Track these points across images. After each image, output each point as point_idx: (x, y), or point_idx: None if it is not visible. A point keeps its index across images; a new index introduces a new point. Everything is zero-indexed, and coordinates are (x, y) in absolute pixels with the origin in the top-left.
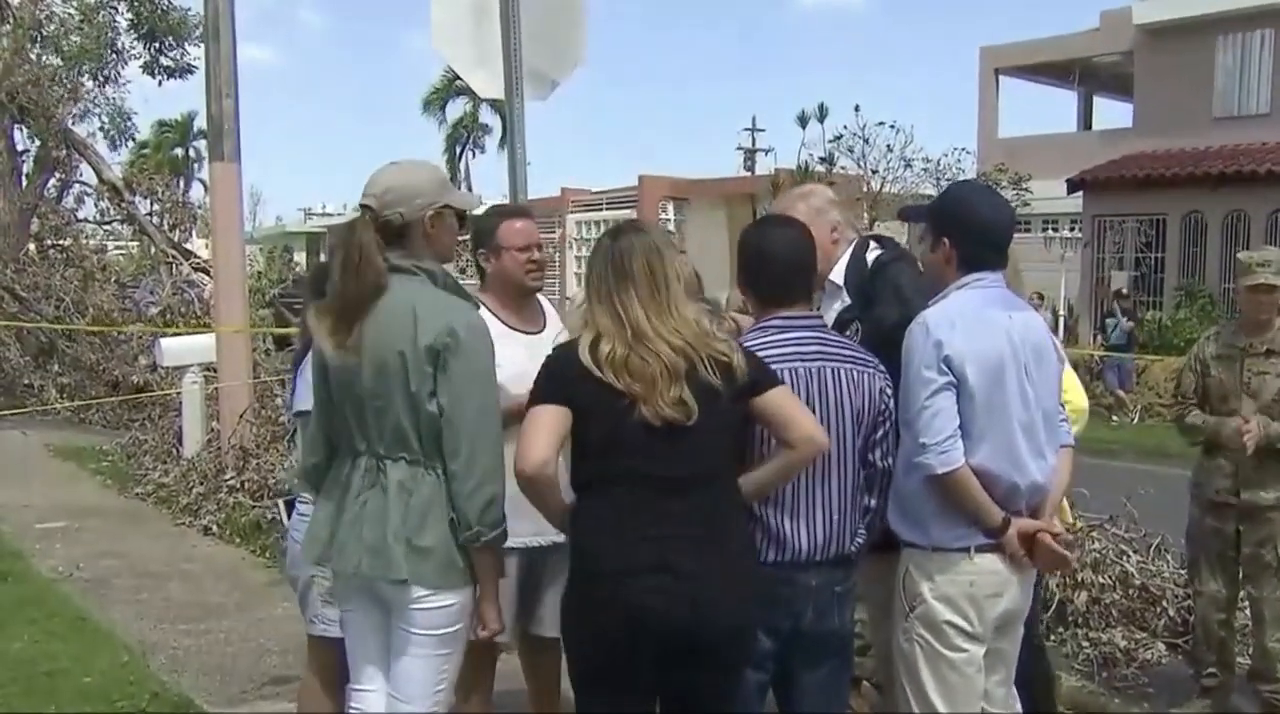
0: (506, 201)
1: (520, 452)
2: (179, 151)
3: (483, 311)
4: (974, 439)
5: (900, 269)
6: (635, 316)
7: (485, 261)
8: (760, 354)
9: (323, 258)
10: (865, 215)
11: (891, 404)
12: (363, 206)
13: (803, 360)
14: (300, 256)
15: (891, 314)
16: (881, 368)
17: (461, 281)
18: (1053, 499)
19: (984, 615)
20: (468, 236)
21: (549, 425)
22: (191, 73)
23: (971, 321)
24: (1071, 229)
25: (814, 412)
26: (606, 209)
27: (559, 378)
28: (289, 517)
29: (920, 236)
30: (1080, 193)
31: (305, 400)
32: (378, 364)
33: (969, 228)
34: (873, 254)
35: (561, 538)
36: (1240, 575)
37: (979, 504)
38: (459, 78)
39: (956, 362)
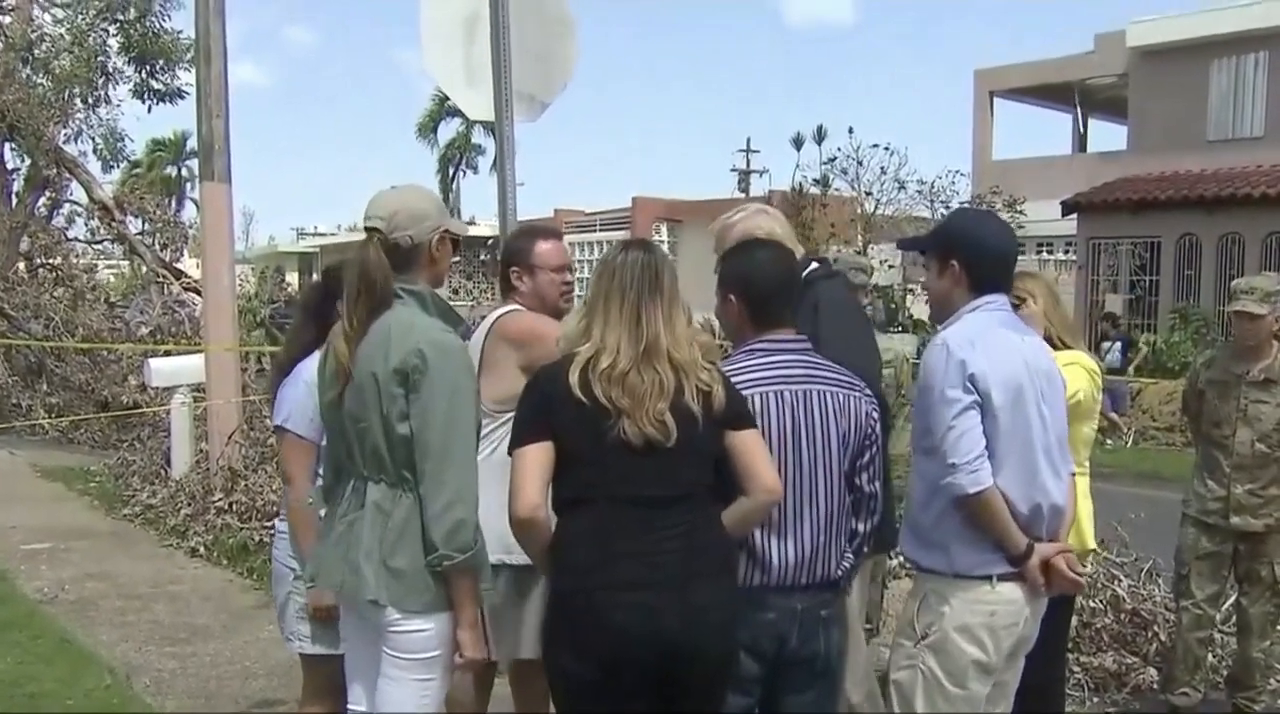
0: (495, 222)
1: (511, 497)
2: (172, 170)
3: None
4: (997, 461)
5: (825, 287)
6: (655, 330)
7: (518, 280)
8: (746, 377)
9: (315, 278)
10: (859, 237)
11: (878, 428)
12: (371, 228)
13: (789, 383)
14: (292, 277)
15: (805, 329)
16: (869, 392)
17: (453, 302)
18: (1067, 523)
19: (1000, 646)
20: (456, 258)
21: (535, 466)
22: (182, 98)
23: (990, 343)
24: (1066, 252)
25: (800, 435)
26: (600, 230)
27: (539, 407)
28: None
29: (923, 263)
30: (1074, 215)
31: (280, 414)
32: (358, 386)
33: (977, 250)
34: (807, 271)
35: None
36: (1234, 588)
37: (1005, 527)
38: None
39: (981, 381)
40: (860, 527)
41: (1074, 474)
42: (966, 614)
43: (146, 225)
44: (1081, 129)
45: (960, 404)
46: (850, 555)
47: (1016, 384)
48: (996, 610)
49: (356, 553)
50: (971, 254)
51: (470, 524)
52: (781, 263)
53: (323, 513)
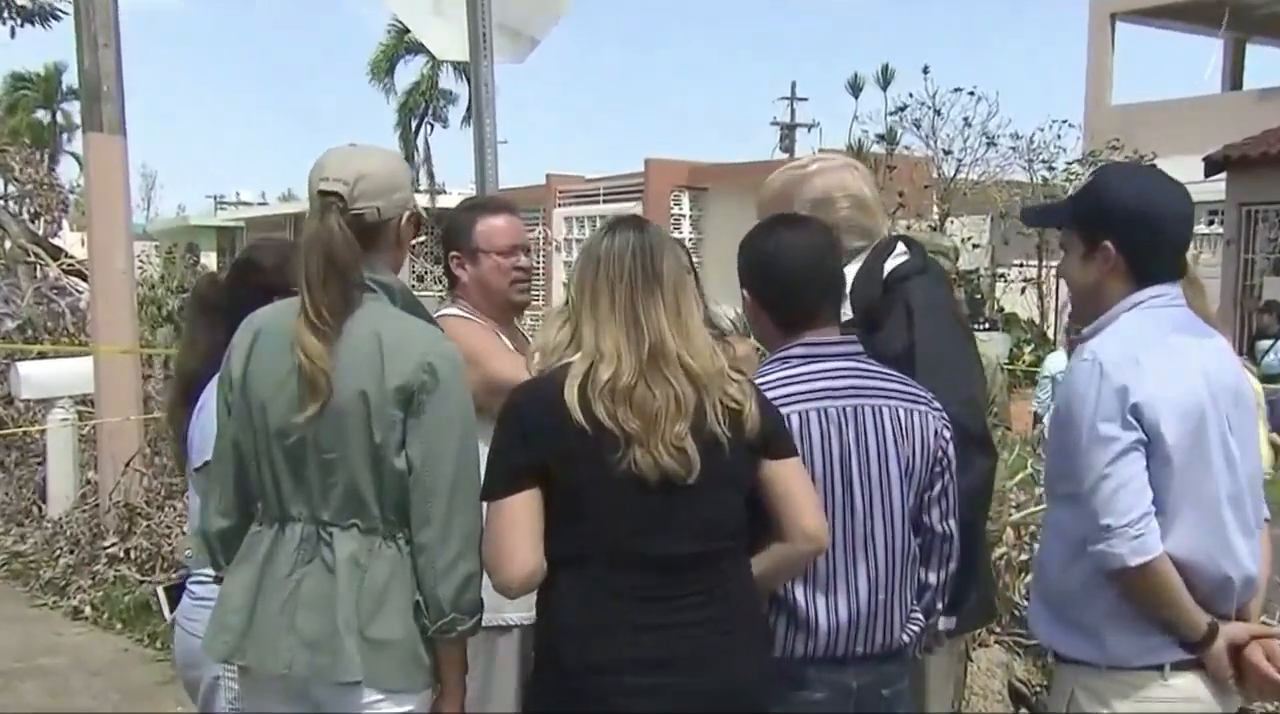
0: (472, 189)
1: (499, 559)
2: (43, 115)
3: (459, 322)
4: (1169, 517)
5: (917, 285)
6: (660, 332)
7: (459, 267)
8: (780, 392)
9: (233, 259)
10: (935, 208)
11: (951, 450)
12: (327, 193)
13: (834, 398)
14: (209, 257)
15: (897, 341)
16: (936, 405)
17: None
18: (1260, 594)
19: None
20: (422, 238)
21: (526, 520)
22: (56, 19)
23: (1160, 356)
24: (1210, 222)
25: (851, 463)
26: (604, 201)
27: (525, 440)
28: (172, 605)
29: (1060, 243)
30: (1223, 174)
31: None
32: (333, 407)
33: (1140, 226)
34: (894, 262)
35: (516, 619)
36: None
37: (1180, 607)
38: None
39: (1148, 412)
40: (932, 577)
41: (1267, 520)
42: None
43: (10, 187)
44: (1234, 59)
45: (1119, 445)
46: (919, 615)
47: (1198, 412)
48: (1171, 712)
49: (321, 623)
50: (1133, 230)
51: (479, 580)
52: (811, 248)
53: (202, 569)
